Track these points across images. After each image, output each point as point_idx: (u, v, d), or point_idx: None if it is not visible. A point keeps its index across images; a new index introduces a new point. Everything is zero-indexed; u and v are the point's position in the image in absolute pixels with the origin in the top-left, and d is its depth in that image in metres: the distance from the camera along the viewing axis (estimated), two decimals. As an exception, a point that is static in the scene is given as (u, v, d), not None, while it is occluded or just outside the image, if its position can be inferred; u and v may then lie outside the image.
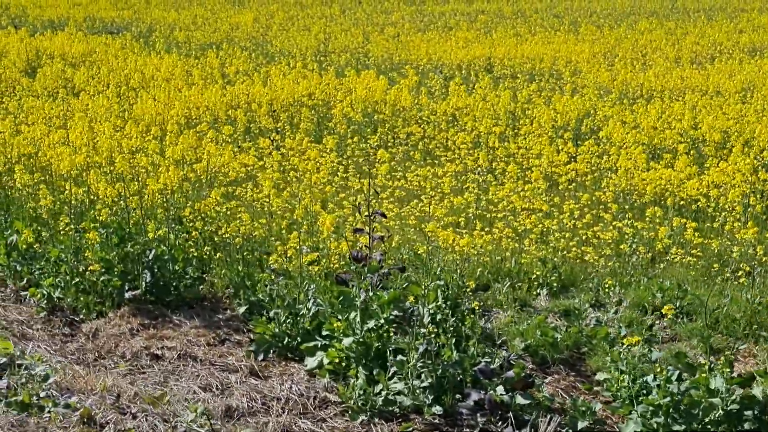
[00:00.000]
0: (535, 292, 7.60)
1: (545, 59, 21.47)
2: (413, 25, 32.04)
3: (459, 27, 30.79)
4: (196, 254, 7.67)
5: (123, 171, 7.58)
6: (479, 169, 10.78)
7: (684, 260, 7.80)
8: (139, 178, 7.81)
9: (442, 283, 6.41)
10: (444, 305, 6.26)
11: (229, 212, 8.08)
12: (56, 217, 8.08)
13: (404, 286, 6.92)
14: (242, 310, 7.20)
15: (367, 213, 7.03)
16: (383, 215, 7.07)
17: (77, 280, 7.28)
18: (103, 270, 7.23)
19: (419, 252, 7.56)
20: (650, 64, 21.28)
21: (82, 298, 7.23)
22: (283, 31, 29.07)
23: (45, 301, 7.31)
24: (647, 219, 8.78)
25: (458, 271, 6.96)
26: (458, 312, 6.40)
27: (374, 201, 7.87)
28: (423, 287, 6.24)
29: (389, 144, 12.02)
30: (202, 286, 7.62)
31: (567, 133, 11.47)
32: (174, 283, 7.34)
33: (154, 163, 8.57)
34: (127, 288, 7.21)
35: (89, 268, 7.25)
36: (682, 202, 9.26)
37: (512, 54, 22.56)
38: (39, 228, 8.05)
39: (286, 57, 20.88)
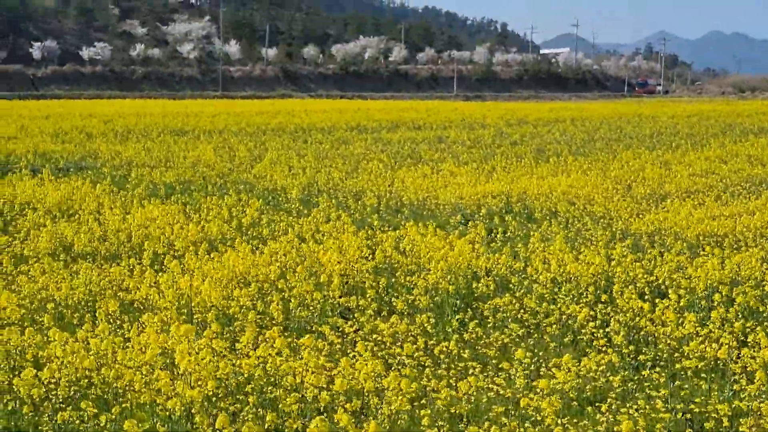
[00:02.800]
0: None
1: (557, 194, 19.93)
2: (384, 155, 30.42)
3: (437, 160, 29.20)
4: None
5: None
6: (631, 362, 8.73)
7: None
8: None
9: None
10: None
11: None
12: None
13: None
14: None
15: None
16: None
17: None
18: None
19: None
20: (667, 199, 19.97)
21: None
22: (253, 162, 27.08)
23: None
24: None
25: None
26: None
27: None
28: None
29: (488, 324, 9.89)
30: None
31: (732, 312, 9.56)
32: None
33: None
34: None
35: None
36: None
37: (519, 189, 20.97)
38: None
39: (288, 201, 18.72)
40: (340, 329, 9.52)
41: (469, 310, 10.42)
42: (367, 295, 9.99)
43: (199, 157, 28.43)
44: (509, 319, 9.93)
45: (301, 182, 22.35)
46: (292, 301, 9.36)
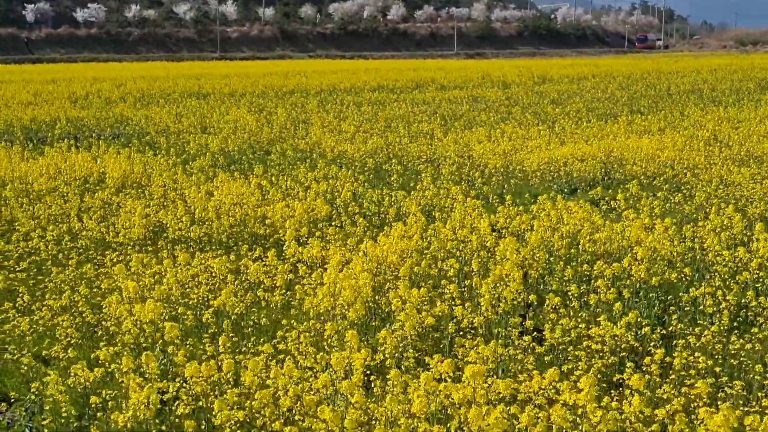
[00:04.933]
0: None
1: (662, 159, 18.12)
2: (425, 116, 28.61)
3: (492, 122, 27.33)
4: None
5: None
6: None
7: None
8: None
9: None
10: None
11: None
12: None
13: None
14: None
15: None
16: None
17: None
18: None
19: None
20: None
21: None
22: (295, 127, 25.20)
23: None
24: None
25: None
26: None
27: None
28: None
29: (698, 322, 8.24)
30: None
31: None
32: None
33: None
34: None
35: None
36: None
37: (605, 152, 19.20)
38: None
39: (365, 170, 16.95)
40: (533, 336, 7.86)
41: (659, 303, 8.78)
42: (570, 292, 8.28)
43: (237, 122, 26.55)
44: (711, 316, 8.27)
45: (363, 149, 20.56)
46: (488, 309, 7.57)
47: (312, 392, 5.22)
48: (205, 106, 32.83)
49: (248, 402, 5.27)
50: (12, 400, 7.18)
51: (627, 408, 4.72)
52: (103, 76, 54.71)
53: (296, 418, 5.13)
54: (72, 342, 7.75)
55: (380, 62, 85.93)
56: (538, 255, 8.97)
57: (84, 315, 8.36)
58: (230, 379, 5.43)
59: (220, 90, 41.95)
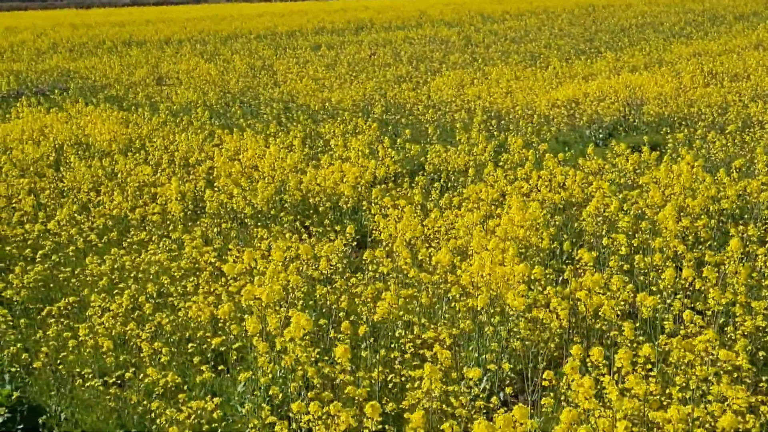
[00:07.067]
0: None
1: (666, 98, 16.98)
2: (389, 58, 26.93)
3: (465, 63, 25.91)
4: None
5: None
6: None
7: None
8: None
9: None
10: None
11: None
12: None
13: None
14: None
15: None
16: None
17: None
18: None
19: None
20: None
21: None
22: (257, 75, 23.23)
23: None
24: None
25: None
26: None
27: None
28: None
29: None
30: None
31: None
32: None
33: None
34: None
35: None
36: None
37: (613, 91, 17.92)
38: None
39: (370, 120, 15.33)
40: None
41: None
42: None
43: (193, 72, 24.39)
44: None
45: (352, 96, 18.87)
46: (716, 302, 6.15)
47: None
48: (149, 56, 30.43)
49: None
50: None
51: None
52: (17, 25, 50.94)
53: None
54: (161, 360, 6.13)
55: (306, 4, 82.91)
56: (697, 223, 7.63)
57: (156, 321, 6.73)
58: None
59: (152, 37, 39.27)
